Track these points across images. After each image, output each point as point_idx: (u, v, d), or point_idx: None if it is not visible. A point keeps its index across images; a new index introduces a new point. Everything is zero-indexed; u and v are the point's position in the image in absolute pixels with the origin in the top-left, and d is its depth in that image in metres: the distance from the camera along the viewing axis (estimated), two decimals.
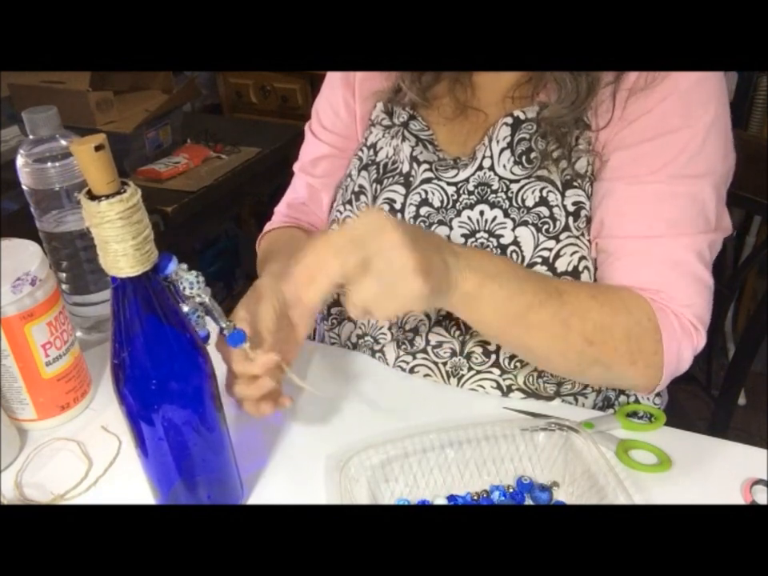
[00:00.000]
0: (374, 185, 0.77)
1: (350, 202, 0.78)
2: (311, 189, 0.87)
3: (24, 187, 0.75)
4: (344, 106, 0.83)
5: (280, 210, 0.92)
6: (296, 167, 0.89)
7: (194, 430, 0.53)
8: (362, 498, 0.57)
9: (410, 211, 0.74)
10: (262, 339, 0.60)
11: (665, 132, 0.63)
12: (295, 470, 0.64)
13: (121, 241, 0.44)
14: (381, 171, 0.77)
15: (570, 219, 0.67)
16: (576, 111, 0.66)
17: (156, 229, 0.48)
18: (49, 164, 0.72)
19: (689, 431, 0.67)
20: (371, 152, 0.79)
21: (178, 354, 0.51)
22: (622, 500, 0.53)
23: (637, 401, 0.78)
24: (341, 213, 0.79)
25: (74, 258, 0.77)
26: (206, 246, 2.09)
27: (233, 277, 2.18)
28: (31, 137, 0.73)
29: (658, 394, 0.81)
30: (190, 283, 0.52)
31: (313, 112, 0.87)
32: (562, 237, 0.67)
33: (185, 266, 0.52)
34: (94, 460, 0.66)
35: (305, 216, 0.90)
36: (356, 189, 0.78)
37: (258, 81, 2.39)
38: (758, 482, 0.60)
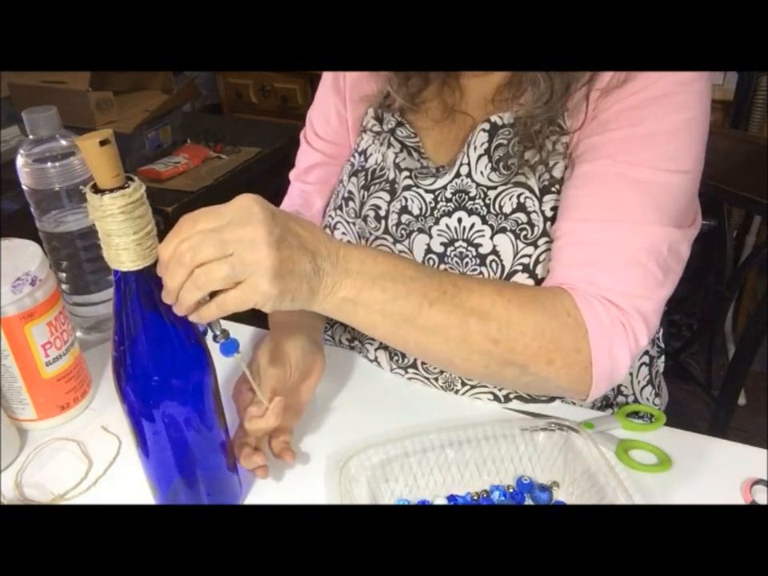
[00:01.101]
0: (362, 191, 0.76)
1: (339, 208, 0.78)
2: (305, 195, 0.87)
3: (24, 187, 0.75)
4: (335, 113, 0.83)
5: None
6: (291, 175, 0.90)
7: (193, 427, 0.53)
8: (361, 498, 0.57)
9: (392, 218, 0.73)
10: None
11: (633, 123, 0.61)
12: (295, 470, 0.64)
13: (122, 235, 0.45)
14: (369, 178, 0.77)
15: (548, 225, 0.66)
16: (550, 111, 0.65)
17: (156, 228, 0.48)
18: (49, 164, 0.72)
19: (689, 431, 0.67)
20: (362, 158, 0.79)
21: (179, 349, 0.51)
22: (621, 500, 0.53)
23: (636, 401, 0.78)
24: (332, 218, 0.79)
25: (74, 258, 0.77)
26: None
27: None
28: (31, 137, 0.73)
29: (657, 395, 0.81)
30: None
31: (307, 120, 0.88)
32: (540, 243, 0.66)
33: None
34: (94, 460, 0.66)
35: None
36: (345, 195, 0.78)
37: (258, 81, 2.40)
38: (757, 481, 0.60)
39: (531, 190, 0.67)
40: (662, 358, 0.85)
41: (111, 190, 0.44)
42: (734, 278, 1.06)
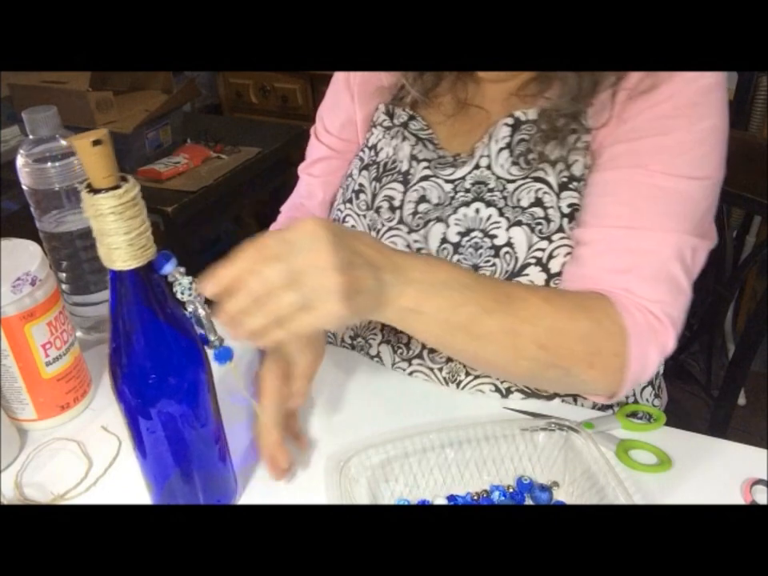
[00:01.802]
0: (373, 183, 0.77)
1: (350, 201, 0.79)
2: (309, 188, 0.89)
3: (24, 187, 0.75)
4: (345, 109, 0.84)
5: (283, 210, 0.93)
6: (299, 168, 0.91)
7: (189, 425, 0.53)
8: (361, 498, 0.57)
9: (408, 208, 0.74)
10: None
11: (663, 132, 0.63)
12: (295, 470, 0.64)
13: (114, 234, 0.45)
14: (380, 170, 0.78)
15: (565, 221, 0.67)
16: (575, 106, 0.66)
17: (156, 229, 0.48)
18: (49, 164, 0.72)
19: (689, 431, 0.67)
20: (372, 152, 0.80)
21: (174, 348, 0.51)
22: (622, 500, 0.53)
23: (636, 401, 0.78)
24: (341, 211, 0.80)
25: (74, 258, 0.77)
26: (205, 246, 2.09)
27: None
28: (31, 137, 0.73)
29: (657, 396, 0.81)
30: (182, 288, 0.52)
31: (317, 115, 0.89)
32: (554, 238, 0.67)
33: (182, 269, 0.52)
34: (94, 460, 0.66)
35: (302, 215, 0.91)
36: (356, 187, 0.79)
37: (258, 81, 2.40)
38: (758, 481, 0.60)
39: (550, 186, 0.68)
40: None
41: (105, 190, 0.44)
42: (733, 277, 1.06)
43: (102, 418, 0.71)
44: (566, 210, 0.67)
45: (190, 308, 0.53)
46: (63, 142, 0.73)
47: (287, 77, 2.32)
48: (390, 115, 0.79)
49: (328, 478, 0.63)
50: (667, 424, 0.67)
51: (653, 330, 0.62)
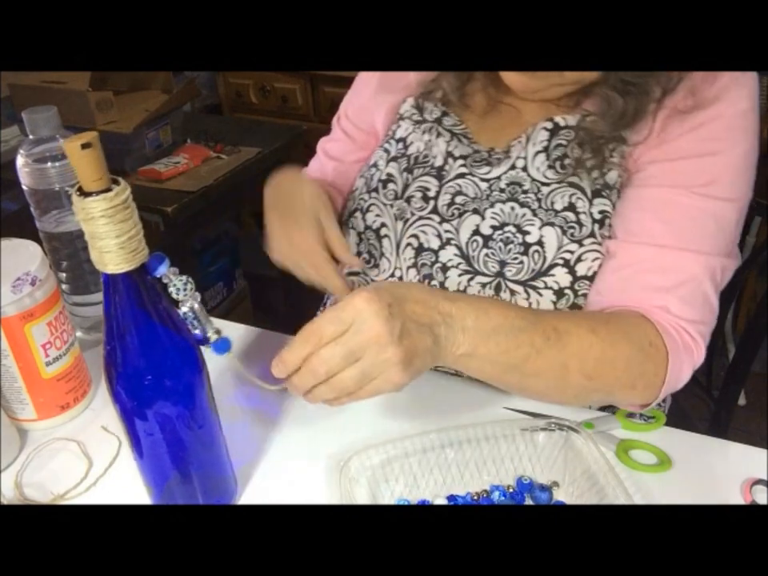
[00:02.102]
0: (405, 174, 0.77)
1: (375, 190, 0.79)
2: (322, 168, 0.90)
3: (24, 187, 0.75)
4: (364, 97, 0.85)
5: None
6: (319, 143, 0.92)
7: (186, 426, 0.53)
8: (361, 498, 0.58)
9: (444, 199, 0.74)
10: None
11: (703, 154, 0.64)
12: (295, 470, 0.64)
13: (105, 237, 0.45)
14: (411, 162, 0.78)
15: (596, 226, 0.68)
16: (617, 129, 0.67)
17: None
18: (49, 164, 0.72)
19: (689, 431, 0.68)
20: (400, 145, 0.79)
21: (169, 349, 0.51)
22: (622, 500, 0.53)
23: None
24: (364, 201, 0.79)
25: (74, 258, 0.77)
26: (205, 246, 2.09)
27: (233, 277, 2.18)
28: (31, 137, 0.73)
29: (663, 399, 0.82)
30: (177, 288, 0.52)
31: (341, 106, 0.90)
32: (585, 242, 0.68)
33: (175, 269, 0.52)
34: (94, 460, 0.66)
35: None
36: (384, 177, 0.78)
37: (258, 81, 2.40)
38: (758, 481, 0.60)
39: (584, 192, 0.69)
40: None
41: (95, 193, 0.44)
42: (733, 278, 1.06)
43: (101, 418, 0.71)
44: (597, 216, 0.68)
45: (185, 307, 0.53)
46: (62, 143, 0.73)
47: (287, 77, 2.32)
48: (420, 109, 0.79)
49: (328, 478, 0.63)
50: (667, 424, 0.67)
51: (687, 349, 0.65)
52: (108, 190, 0.44)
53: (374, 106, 0.84)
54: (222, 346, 0.54)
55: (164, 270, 0.51)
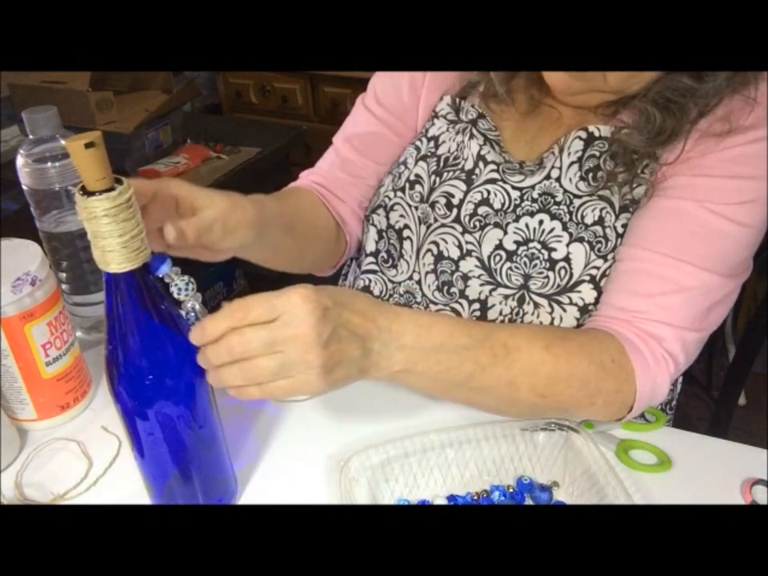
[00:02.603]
0: (433, 176, 0.76)
1: (402, 190, 0.77)
2: (347, 162, 0.84)
3: (24, 187, 0.75)
4: (408, 86, 0.81)
5: (306, 175, 0.88)
6: (337, 138, 0.86)
7: (187, 425, 0.53)
8: (362, 498, 0.58)
9: (467, 208, 0.73)
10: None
11: (725, 175, 0.63)
12: (295, 470, 0.64)
13: (108, 237, 0.45)
14: (441, 164, 0.76)
15: (619, 241, 0.68)
16: (652, 146, 0.66)
17: (145, 231, 0.48)
18: (49, 164, 0.72)
19: (689, 431, 0.68)
20: (431, 144, 0.78)
21: (170, 349, 0.51)
22: (622, 500, 0.53)
23: None
24: (389, 199, 0.78)
25: (74, 258, 0.77)
26: None
27: (233, 277, 2.18)
28: (31, 137, 0.73)
29: (671, 408, 0.82)
30: (178, 288, 0.53)
31: (369, 86, 0.85)
32: (609, 257, 0.67)
33: (177, 269, 0.52)
34: (94, 460, 0.66)
35: (332, 185, 0.86)
36: (412, 177, 0.77)
37: (258, 81, 2.40)
38: (758, 481, 0.60)
39: (612, 206, 0.68)
40: (680, 379, 0.86)
41: (98, 192, 0.44)
42: None
43: (101, 418, 0.71)
44: (621, 231, 0.68)
45: (186, 307, 0.53)
46: (63, 142, 0.73)
47: (287, 77, 2.32)
48: (456, 109, 0.77)
49: (328, 477, 0.63)
50: (667, 424, 0.67)
51: (660, 360, 0.63)
52: (111, 189, 0.44)
53: (416, 98, 0.80)
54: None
55: (166, 270, 0.51)
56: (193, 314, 0.54)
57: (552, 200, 0.70)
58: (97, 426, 0.70)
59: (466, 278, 0.72)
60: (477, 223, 0.72)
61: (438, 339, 0.57)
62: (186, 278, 0.52)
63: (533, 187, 0.71)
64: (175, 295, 0.52)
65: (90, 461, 0.66)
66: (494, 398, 0.61)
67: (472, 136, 0.75)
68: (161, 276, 0.51)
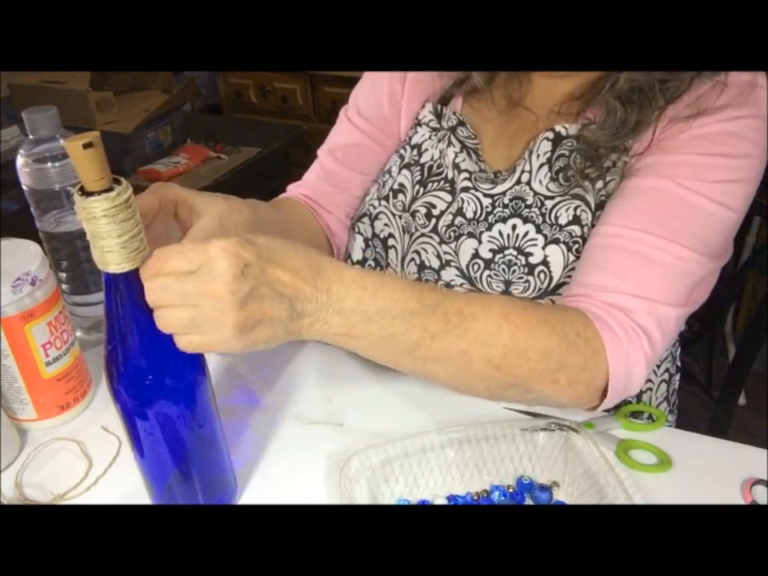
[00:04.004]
0: (417, 186, 0.76)
1: (386, 198, 0.78)
2: (331, 174, 0.84)
3: (24, 187, 0.75)
4: (388, 97, 0.81)
5: (293, 188, 0.88)
6: (321, 150, 0.86)
7: (186, 425, 0.53)
8: (362, 498, 0.57)
9: (446, 219, 0.73)
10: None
11: (696, 152, 0.62)
12: (295, 470, 0.64)
13: (107, 237, 0.45)
14: (425, 174, 0.76)
15: None
16: (616, 140, 0.65)
17: (144, 231, 0.48)
18: (49, 164, 0.72)
19: (689, 431, 0.68)
20: (414, 152, 0.78)
21: (170, 348, 0.51)
22: (622, 500, 0.53)
23: (639, 400, 0.78)
24: (374, 207, 0.78)
25: (74, 258, 0.77)
26: None
27: None
28: (31, 137, 0.73)
29: (671, 412, 0.82)
30: None
31: (351, 97, 0.85)
32: None
33: None
34: (94, 460, 0.66)
35: (318, 197, 0.86)
36: (395, 186, 0.77)
37: (258, 81, 2.40)
38: (758, 481, 0.60)
39: (587, 204, 0.67)
40: (678, 375, 0.86)
41: (97, 193, 0.44)
42: (734, 278, 1.06)
43: (102, 418, 0.71)
44: None
45: None
46: (63, 142, 0.73)
47: (287, 77, 2.32)
48: (438, 116, 0.77)
49: (328, 478, 0.63)
50: (667, 424, 0.67)
51: (632, 334, 0.60)
52: (110, 189, 0.44)
53: (398, 106, 0.81)
54: None
55: None
56: None
57: (523, 204, 0.70)
58: (97, 426, 0.70)
59: (448, 286, 0.72)
60: (452, 234, 0.72)
61: (382, 303, 0.53)
62: None
63: (504, 193, 0.71)
64: None
65: (90, 461, 0.66)
66: (444, 369, 0.58)
67: (450, 143, 0.75)
68: None
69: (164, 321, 0.48)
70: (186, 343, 0.49)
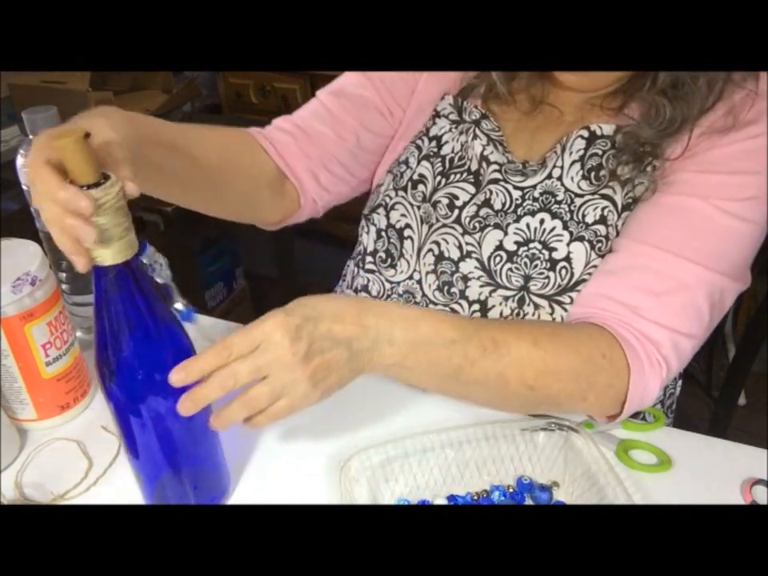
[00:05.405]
0: (438, 177, 0.75)
1: (404, 189, 0.77)
2: (331, 115, 0.80)
3: (24, 187, 0.74)
4: (406, 75, 0.79)
5: (279, 120, 0.83)
6: (322, 92, 0.82)
7: (179, 421, 0.53)
8: (362, 498, 0.58)
9: (470, 210, 0.73)
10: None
11: (730, 171, 0.63)
12: (295, 470, 0.64)
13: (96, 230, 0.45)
14: (447, 165, 0.75)
15: None
16: (663, 137, 0.65)
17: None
18: None
19: (689, 431, 0.67)
20: (433, 144, 0.77)
21: (161, 344, 0.51)
22: (622, 500, 0.53)
23: None
24: (390, 198, 0.77)
25: None
26: (206, 246, 2.09)
27: (233, 277, 2.18)
28: (31, 137, 0.73)
29: (671, 412, 0.82)
30: (160, 264, 0.55)
31: None
32: None
33: (153, 248, 0.54)
34: (94, 460, 0.66)
35: (303, 135, 0.80)
36: (415, 177, 0.76)
37: (258, 81, 2.39)
38: (758, 481, 0.60)
39: (615, 205, 0.68)
40: (680, 382, 0.86)
41: (86, 187, 0.44)
42: None
43: (102, 418, 0.71)
44: (621, 229, 0.67)
45: (162, 281, 0.56)
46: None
47: (287, 77, 2.31)
48: (459, 109, 0.76)
49: (328, 478, 0.63)
50: (667, 424, 0.67)
51: (654, 361, 0.62)
52: (98, 183, 0.45)
53: (415, 87, 0.79)
54: (187, 315, 0.58)
55: (148, 252, 0.53)
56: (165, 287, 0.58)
57: (553, 199, 0.70)
58: (97, 426, 0.70)
59: (466, 279, 0.72)
60: (477, 225, 0.72)
61: (425, 332, 0.58)
62: (159, 257, 0.56)
63: (534, 187, 0.71)
64: (156, 277, 0.54)
65: (90, 461, 0.66)
66: (484, 391, 0.63)
67: (475, 136, 0.74)
68: (145, 261, 0.53)
69: (252, 401, 0.52)
70: (275, 413, 0.54)
